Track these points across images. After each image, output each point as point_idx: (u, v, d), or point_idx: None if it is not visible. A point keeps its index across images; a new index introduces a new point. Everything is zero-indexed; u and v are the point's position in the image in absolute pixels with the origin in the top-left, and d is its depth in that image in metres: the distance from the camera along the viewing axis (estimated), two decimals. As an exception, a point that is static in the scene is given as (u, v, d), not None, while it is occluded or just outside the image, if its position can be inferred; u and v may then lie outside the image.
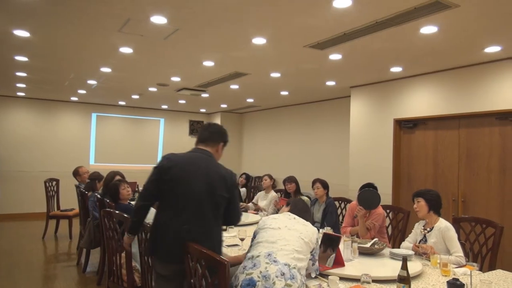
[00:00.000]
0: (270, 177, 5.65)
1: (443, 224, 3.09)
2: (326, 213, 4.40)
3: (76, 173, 6.06)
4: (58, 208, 6.81)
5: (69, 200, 7.05)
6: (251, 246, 2.32)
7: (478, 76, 4.65)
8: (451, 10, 3.07)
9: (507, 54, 4.25)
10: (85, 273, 4.82)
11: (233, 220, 2.55)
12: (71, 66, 5.47)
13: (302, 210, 2.57)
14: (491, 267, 3.06)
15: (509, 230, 4.17)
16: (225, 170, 2.43)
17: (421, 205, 3.19)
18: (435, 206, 3.18)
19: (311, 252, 2.28)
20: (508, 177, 4.44)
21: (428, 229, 3.16)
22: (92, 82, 6.58)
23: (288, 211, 2.56)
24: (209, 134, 2.54)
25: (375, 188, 3.84)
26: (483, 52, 4.20)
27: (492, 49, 4.07)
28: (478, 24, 3.40)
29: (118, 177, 4.44)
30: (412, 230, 3.35)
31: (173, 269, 2.34)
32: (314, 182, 4.61)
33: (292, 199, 2.97)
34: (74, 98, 8.72)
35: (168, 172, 2.33)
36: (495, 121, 4.56)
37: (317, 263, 2.37)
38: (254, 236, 2.37)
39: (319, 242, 2.45)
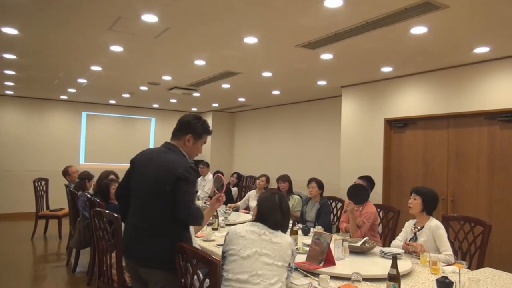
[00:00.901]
0: (267, 179, 5.65)
1: (433, 223, 3.12)
2: (321, 213, 4.41)
3: (66, 172, 6.00)
4: (48, 208, 6.73)
5: (58, 199, 6.98)
6: (223, 258, 2.23)
7: (467, 77, 4.70)
8: (441, 11, 3.10)
9: (495, 55, 4.31)
10: (75, 274, 4.78)
11: (180, 217, 2.16)
12: (61, 64, 5.41)
13: (271, 209, 2.31)
14: (480, 265, 3.10)
15: (497, 228, 4.22)
16: (174, 163, 2.22)
17: (416, 203, 3.21)
18: (429, 208, 3.20)
19: (287, 266, 2.20)
20: (496, 176, 4.50)
21: (419, 227, 3.19)
22: (82, 80, 6.52)
23: (258, 213, 2.35)
24: (178, 127, 2.40)
25: (372, 180, 3.91)
26: (472, 53, 4.25)
27: (481, 49, 4.12)
28: (467, 25, 3.43)
29: (111, 176, 4.41)
30: (403, 229, 3.37)
31: (131, 267, 2.34)
32: (310, 181, 4.63)
33: (261, 197, 2.43)
34: (63, 97, 8.63)
35: (132, 166, 2.42)
36: (484, 121, 4.62)
37: (292, 267, 2.27)
38: (224, 253, 2.25)
39: (295, 254, 2.29)
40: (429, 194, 3.22)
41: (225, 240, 2.28)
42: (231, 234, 2.26)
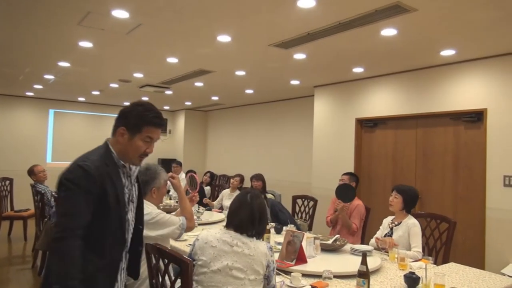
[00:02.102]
0: (242, 178, 5.63)
1: (411, 220, 3.23)
2: (276, 212, 4.48)
3: (31, 172, 5.78)
4: (12, 208, 6.50)
5: (23, 200, 6.74)
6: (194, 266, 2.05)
7: (434, 78, 4.86)
8: (410, 14, 3.19)
9: (460, 58, 4.47)
10: (40, 276, 4.62)
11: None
12: (27, 59, 5.21)
13: (239, 208, 2.14)
14: (445, 260, 3.20)
15: (461, 225, 4.39)
16: (73, 164, 1.72)
17: (397, 201, 3.28)
18: (409, 206, 3.30)
19: (264, 276, 2.03)
20: (460, 175, 4.67)
21: (396, 223, 3.29)
22: (49, 77, 6.30)
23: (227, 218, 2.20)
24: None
25: (357, 176, 4.23)
26: (439, 55, 4.39)
27: (447, 52, 4.26)
28: (434, 28, 3.55)
29: None
30: (380, 227, 3.46)
31: None
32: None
33: (235, 197, 2.27)
34: (29, 93, 8.32)
35: None
36: (450, 121, 4.78)
37: (272, 281, 2.07)
38: (193, 259, 2.05)
39: (274, 263, 2.08)
40: (410, 192, 3.31)
41: (193, 246, 2.09)
42: (201, 242, 2.06)
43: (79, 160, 1.71)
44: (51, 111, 9.06)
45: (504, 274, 3.47)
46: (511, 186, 4.11)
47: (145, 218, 2.45)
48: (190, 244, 3.18)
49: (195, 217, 4.22)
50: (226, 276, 1.97)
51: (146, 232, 2.45)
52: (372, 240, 3.39)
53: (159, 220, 2.45)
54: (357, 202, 4.02)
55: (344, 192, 3.86)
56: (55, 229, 1.58)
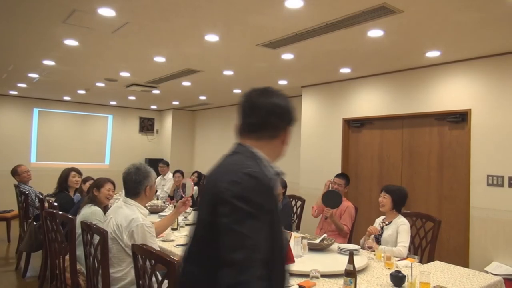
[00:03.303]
0: None
1: (401, 219, 3.30)
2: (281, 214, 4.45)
3: (15, 172, 5.67)
4: (-5, 209, 6.36)
5: (7, 201, 6.62)
6: None
7: (420, 79, 4.92)
8: (396, 15, 3.22)
9: (445, 59, 4.54)
10: (25, 278, 4.54)
11: (220, 280, 1.11)
12: (10, 57, 5.11)
13: None
14: (430, 259, 3.25)
15: (445, 224, 4.46)
16: (225, 172, 1.25)
17: (387, 201, 3.35)
18: (399, 206, 3.36)
19: None
20: (445, 174, 4.74)
21: (387, 222, 3.35)
22: (33, 75, 6.19)
23: None
24: (256, 115, 1.36)
25: (348, 177, 4.26)
26: (424, 56, 4.45)
27: (432, 53, 4.32)
28: (420, 29, 3.59)
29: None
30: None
31: None
32: None
33: None
34: (13, 92, 8.16)
35: None
36: (434, 122, 4.85)
37: None
38: None
39: None
40: (398, 192, 3.39)
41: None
42: None
43: (247, 167, 1.22)
44: (36, 110, 8.90)
45: (487, 272, 3.54)
46: (495, 185, 4.19)
47: (132, 224, 2.44)
48: (178, 245, 3.19)
49: (182, 217, 4.22)
50: None
51: (120, 234, 2.43)
52: (362, 240, 3.45)
53: (140, 235, 2.41)
54: (346, 203, 4.05)
55: (331, 199, 3.88)
56: (229, 270, 1.10)
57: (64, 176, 4.41)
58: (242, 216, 1.13)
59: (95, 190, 3.37)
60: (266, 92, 1.40)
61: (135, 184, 2.61)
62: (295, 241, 2.88)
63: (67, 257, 2.92)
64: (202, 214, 1.32)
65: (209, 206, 1.23)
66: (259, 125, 1.35)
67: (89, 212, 3.17)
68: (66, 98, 8.82)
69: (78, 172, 4.60)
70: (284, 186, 4.63)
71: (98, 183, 3.43)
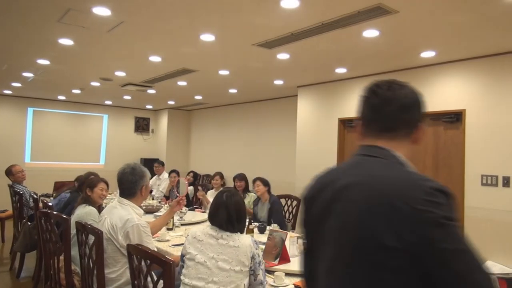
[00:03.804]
0: (221, 176, 5.61)
1: None
2: (272, 212, 4.44)
3: (9, 172, 5.64)
4: (-12, 209, 6.31)
5: (1, 200, 6.58)
6: (182, 261, 2.16)
7: (415, 79, 4.94)
8: (391, 16, 3.23)
9: (440, 59, 4.56)
10: (19, 279, 4.51)
11: None
12: (4, 56, 5.08)
13: (216, 207, 2.23)
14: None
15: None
16: (402, 185, 1.00)
17: None
18: None
19: (249, 269, 2.08)
20: (440, 174, 4.76)
21: None
22: (28, 74, 6.16)
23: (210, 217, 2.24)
24: (388, 111, 1.15)
25: None
26: (419, 57, 4.47)
27: (427, 54, 4.34)
28: (415, 30, 3.61)
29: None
30: None
31: None
32: (254, 180, 4.67)
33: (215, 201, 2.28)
34: (7, 91, 8.11)
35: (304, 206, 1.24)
36: (430, 122, 4.87)
37: (259, 276, 2.09)
38: (183, 256, 2.17)
39: (260, 256, 2.13)
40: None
41: (185, 242, 2.20)
42: (190, 237, 2.17)
43: (425, 181, 1.01)
44: (30, 110, 8.86)
45: (481, 271, 3.56)
46: (489, 185, 4.22)
47: (127, 224, 2.43)
48: (173, 245, 3.19)
49: (177, 217, 4.22)
50: (211, 268, 2.03)
51: (115, 235, 2.42)
52: None
53: (136, 235, 2.40)
54: None
55: None
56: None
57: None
58: (460, 236, 0.98)
59: (88, 190, 3.35)
60: (395, 85, 1.20)
61: (131, 184, 2.60)
62: (291, 241, 2.88)
63: (61, 257, 2.91)
64: (371, 240, 0.97)
65: (390, 229, 0.94)
66: (392, 122, 1.15)
67: (84, 212, 3.15)
68: (61, 97, 8.78)
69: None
70: (266, 184, 4.64)
71: (91, 183, 3.40)
